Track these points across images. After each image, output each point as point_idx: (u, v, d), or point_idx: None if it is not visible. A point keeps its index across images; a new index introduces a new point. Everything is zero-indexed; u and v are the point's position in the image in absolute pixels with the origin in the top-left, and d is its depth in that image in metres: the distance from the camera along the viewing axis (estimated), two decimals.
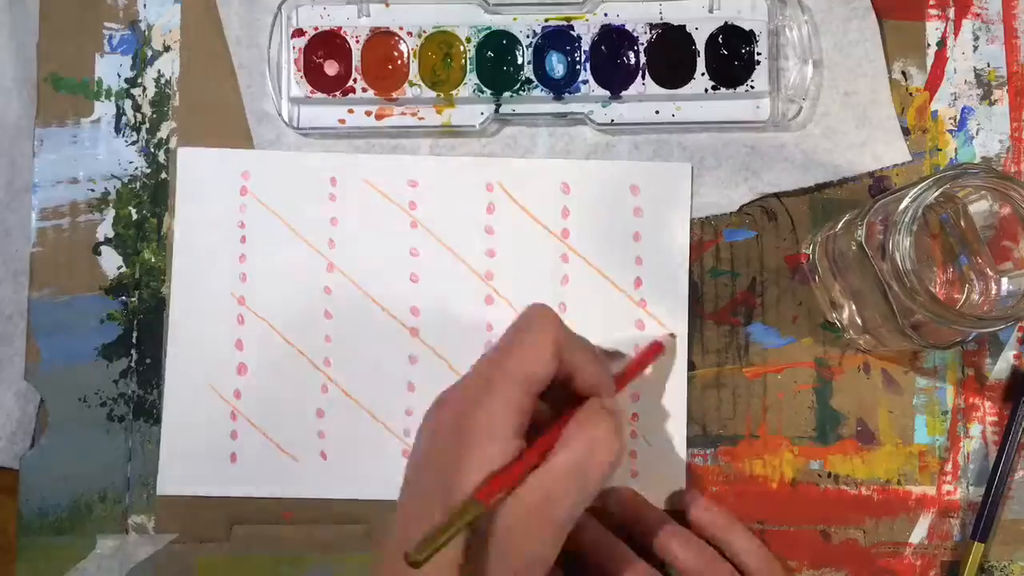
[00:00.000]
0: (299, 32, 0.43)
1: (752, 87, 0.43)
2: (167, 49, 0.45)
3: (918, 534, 0.44)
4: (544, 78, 0.44)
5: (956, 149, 0.45)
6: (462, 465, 0.33)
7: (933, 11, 0.46)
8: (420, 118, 0.44)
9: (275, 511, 0.43)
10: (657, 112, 0.44)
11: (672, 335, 0.44)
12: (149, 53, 0.45)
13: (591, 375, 0.36)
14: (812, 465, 0.44)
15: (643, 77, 0.43)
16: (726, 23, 0.43)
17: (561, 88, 0.44)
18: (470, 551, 0.33)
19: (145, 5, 0.45)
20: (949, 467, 0.44)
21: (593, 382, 0.37)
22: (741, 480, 0.44)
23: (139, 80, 0.45)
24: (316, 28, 0.43)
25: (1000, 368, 0.44)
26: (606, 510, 0.42)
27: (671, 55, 0.43)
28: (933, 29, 0.45)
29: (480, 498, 0.32)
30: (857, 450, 0.44)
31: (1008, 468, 0.43)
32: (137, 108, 0.45)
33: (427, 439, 0.36)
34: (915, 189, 0.35)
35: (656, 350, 0.42)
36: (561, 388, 0.36)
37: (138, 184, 0.45)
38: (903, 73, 0.45)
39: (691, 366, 0.44)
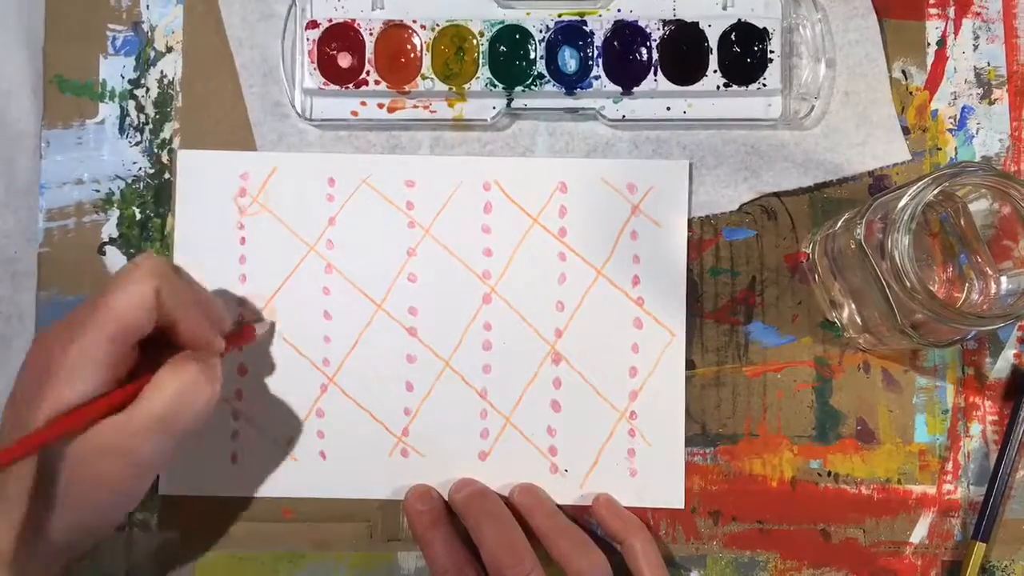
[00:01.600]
0: (313, 24, 0.44)
1: (764, 85, 0.43)
2: (170, 50, 0.46)
3: (919, 533, 0.44)
4: (556, 73, 0.44)
5: (956, 148, 0.45)
6: (39, 404, 0.34)
7: (933, 10, 0.45)
8: (432, 111, 0.44)
9: (275, 509, 0.44)
10: (668, 109, 0.44)
11: (272, 323, 0.44)
12: (152, 54, 0.46)
13: (192, 330, 0.37)
14: (812, 464, 0.44)
15: (655, 73, 0.43)
16: (739, 20, 0.43)
17: (573, 83, 0.44)
18: (41, 486, 0.34)
19: (148, 6, 0.46)
20: (949, 466, 0.44)
21: (192, 337, 0.37)
22: (741, 479, 0.44)
23: (142, 81, 0.46)
24: (330, 20, 0.44)
25: (1000, 367, 0.44)
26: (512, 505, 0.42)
27: (683, 52, 0.43)
28: (933, 28, 0.45)
29: (38, 438, 0.33)
30: (857, 449, 0.44)
31: (1009, 467, 0.43)
32: (140, 109, 0.46)
33: (19, 375, 0.36)
34: (914, 187, 0.35)
35: (246, 333, 0.42)
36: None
37: (142, 184, 0.45)
38: (903, 72, 0.45)
39: (690, 365, 0.44)
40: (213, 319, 0.39)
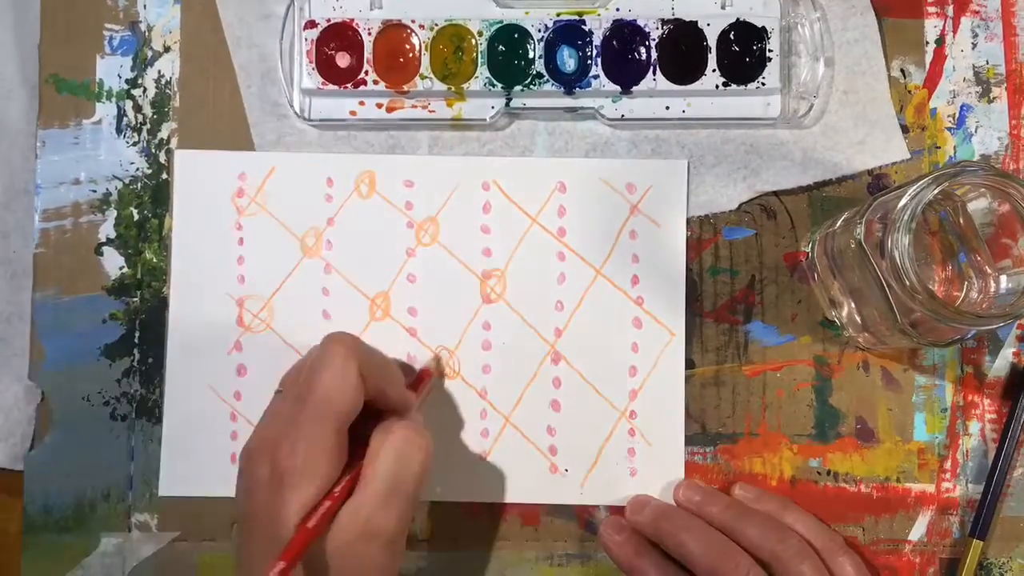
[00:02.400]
0: (311, 24, 0.44)
1: (763, 84, 0.43)
2: (167, 50, 0.45)
3: (917, 531, 0.44)
4: (555, 73, 0.44)
5: (955, 147, 0.45)
6: (283, 515, 0.33)
7: (932, 9, 0.45)
8: (431, 111, 0.44)
9: None
10: (668, 108, 0.44)
11: (437, 358, 0.44)
12: (149, 54, 0.45)
13: (392, 397, 0.37)
14: (811, 463, 0.44)
15: (654, 73, 0.43)
16: (738, 20, 0.43)
17: (572, 83, 0.44)
18: None
19: (145, 6, 0.45)
20: (948, 464, 0.44)
21: (393, 401, 0.37)
22: (740, 478, 0.44)
23: (139, 81, 0.45)
24: (329, 20, 0.44)
25: (999, 366, 0.44)
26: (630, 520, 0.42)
27: (682, 51, 0.43)
28: (932, 27, 0.45)
29: (301, 539, 0.32)
30: (856, 448, 0.44)
31: (1007, 465, 0.43)
32: (138, 109, 0.45)
33: (246, 499, 0.35)
34: (914, 187, 0.35)
35: (425, 376, 0.43)
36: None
37: (139, 185, 0.45)
38: (902, 71, 0.45)
39: (690, 364, 0.44)
40: (399, 378, 0.39)
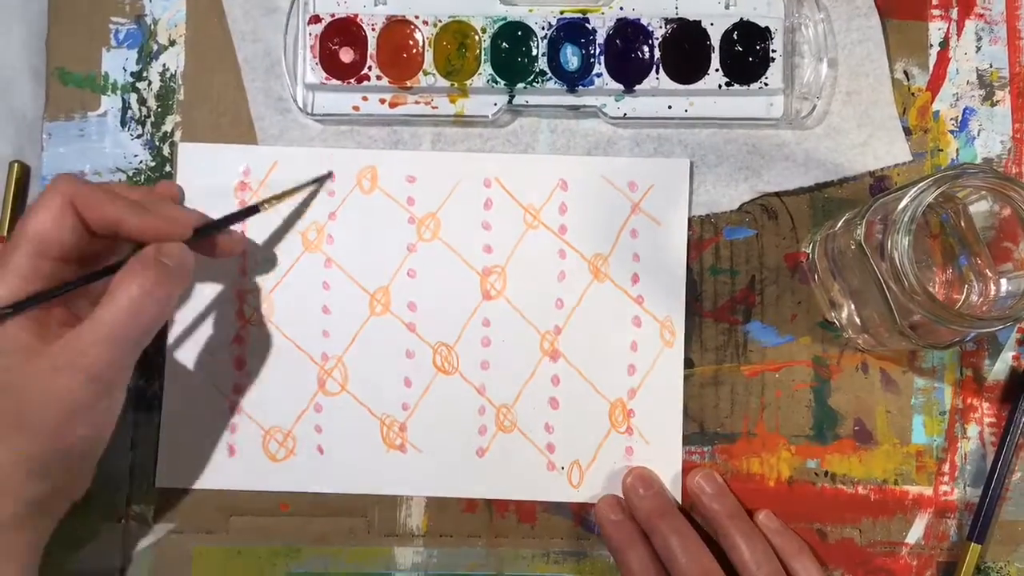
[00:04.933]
0: (316, 18, 0.44)
1: (766, 84, 0.43)
2: (172, 43, 0.46)
3: (914, 534, 0.44)
4: (558, 70, 0.44)
5: (957, 150, 0.45)
6: None
7: (936, 11, 0.45)
8: (434, 107, 0.44)
9: (272, 503, 0.44)
10: (670, 107, 0.44)
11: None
12: (154, 47, 0.46)
13: (134, 225, 0.37)
14: (809, 464, 0.44)
15: (657, 72, 0.43)
16: (742, 19, 0.43)
17: (575, 81, 0.44)
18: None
19: (151, 0, 0.46)
20: (946, 467, 0.44)
21: (142, 230, 0.38)
22: (738, 478, 0.44)
23: (144, 74, 0.46)
24: (333, 15, 0.44)
25: (999, 369, 0.44)
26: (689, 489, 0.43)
27: (686, 50, 0.43)
28: (936, 29, 0.45)
29: None
30: (854, 449, 0.44)
31: (1006, 469, 0.43)
32: (142, 102, 0.46)
33: None
34: (915, 189, 0.35)
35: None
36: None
37: (143, 177, 0.45)
38: (905, 73, 0.45)
39: (689, 364, 0.44)
40: (166, 215, 0.39)
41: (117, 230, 0.38)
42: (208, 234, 0.41)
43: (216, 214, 0.44)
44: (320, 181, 0.44)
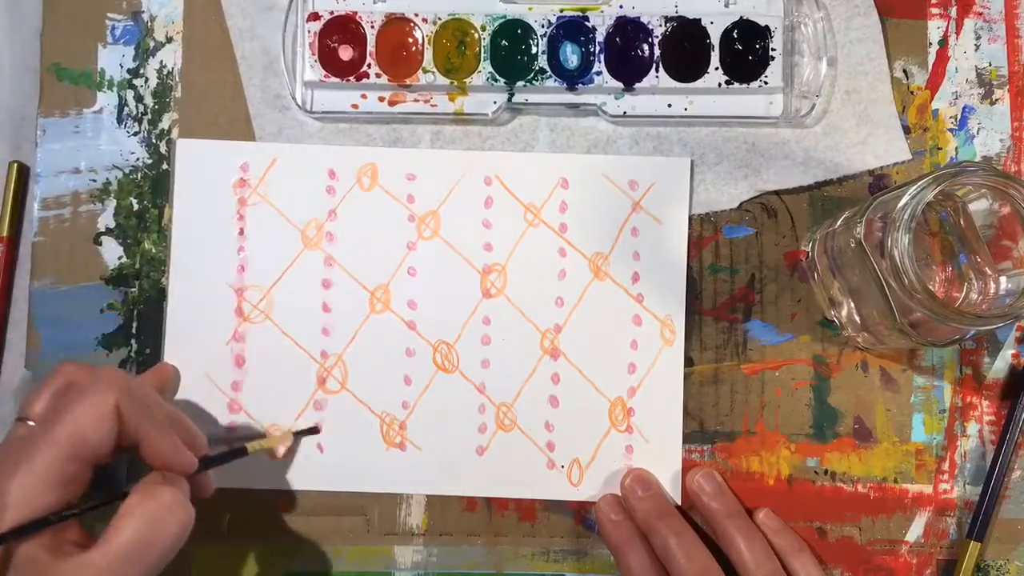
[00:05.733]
0: (315, 16, 0.43)
1: (766, 83, 0.43)
2: (169, 40, 0.45)
3: (914, 532, 0.44)
4: (558, 68, 0.44)
5: (957, 148, 0.45)
6: None
7: (935, 10, 0.46)
8: (433, 105, 0.44)
9: (272, 502, 0.44)
10: (670, 105, 0.44)
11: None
12: (151, 44, 0.45)
13: (156, 448, 0.35)
14: (809, 462, 0.44)
15: (657, 70, 0.43)
16: (741, 18, 0.43)
17: (574, 79, 0.44)
18: None
19: None
20: (946, 466, 0.44)
21: (159, 456, 0.35)
22: (738, 477, 0.44)
23: (141, 71, 0.45)
24: (332, 12, 0.43)
25: (998, 367, 0.44)
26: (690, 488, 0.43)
27: (685, 49, 0.43)
28: (935, 28, 0.45)
29: None
30: (854, 448, 0.44)
31: (1005, 467, 0.43)
32: (139, 99, 0.45)
33: None
34: (914, 187, 0.35)
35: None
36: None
37: (139, 175, 0.45)
38: (904, 71, 0.45)
39: (689, 362, 0.44)
40: (186, 439, 0.37)
41: (135, 445, 0.35)
42: (206, 468, 0.38)
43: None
44: (308, 433, 0.43)
